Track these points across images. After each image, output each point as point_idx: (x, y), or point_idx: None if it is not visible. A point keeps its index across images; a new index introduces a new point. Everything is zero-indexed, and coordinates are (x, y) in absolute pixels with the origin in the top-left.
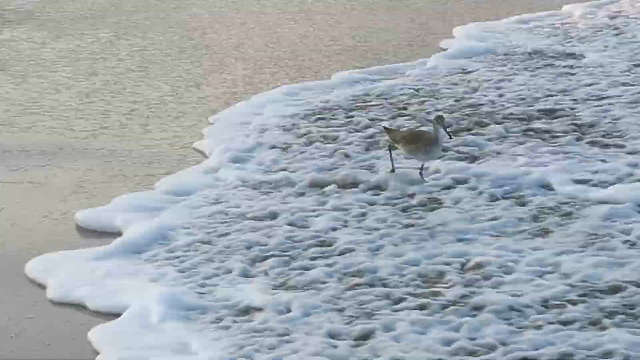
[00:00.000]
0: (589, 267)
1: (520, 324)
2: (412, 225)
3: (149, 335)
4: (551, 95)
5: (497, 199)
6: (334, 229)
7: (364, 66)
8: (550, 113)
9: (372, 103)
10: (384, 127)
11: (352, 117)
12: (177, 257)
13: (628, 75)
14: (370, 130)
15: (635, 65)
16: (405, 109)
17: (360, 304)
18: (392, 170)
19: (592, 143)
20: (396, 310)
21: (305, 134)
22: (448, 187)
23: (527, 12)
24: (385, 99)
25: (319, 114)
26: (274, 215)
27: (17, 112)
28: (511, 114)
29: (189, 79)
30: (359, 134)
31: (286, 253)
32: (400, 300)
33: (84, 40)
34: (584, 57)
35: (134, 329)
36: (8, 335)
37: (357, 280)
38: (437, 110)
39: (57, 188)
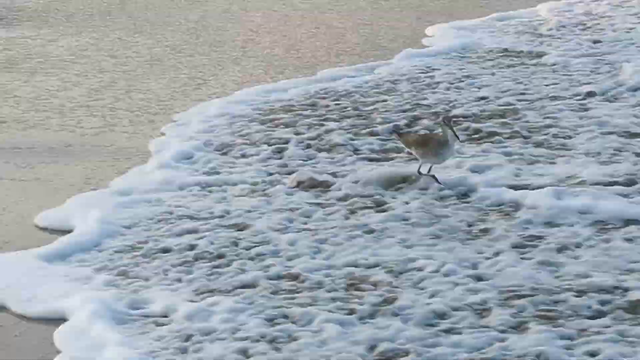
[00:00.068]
0: (517, 272)
1: (445, 327)
2: (355, 227)
3: (73, 338)
4: (508, 95)
5: (439, 201)
6: (276, 230)
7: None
8: (501, 114)
9: (325, 102)
10: (397, 133)
11: (301, 116)
12: (110, 259)
13: (588, 75)
14: (316, 131)
15: (598, 66)
16: (357, 109)
17: (287, 307)
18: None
19: (537, 145)
20: (322, 312)
21: (248, 135)
22: (397, 189)
23: (503, 11)
24: (342, 97)
25: (270, 114)
26: (214, 216)
27: (25, 109)
28: (461, 114)
29: (197, 76)
30: (306, 134)
31: (224, 255)
32: (328, 302)
33: (93, 37)
34: (549, 57)
35: (60, 333)
36: None
37: (287, 283)
38: (389, 110)
39: (66, 185)
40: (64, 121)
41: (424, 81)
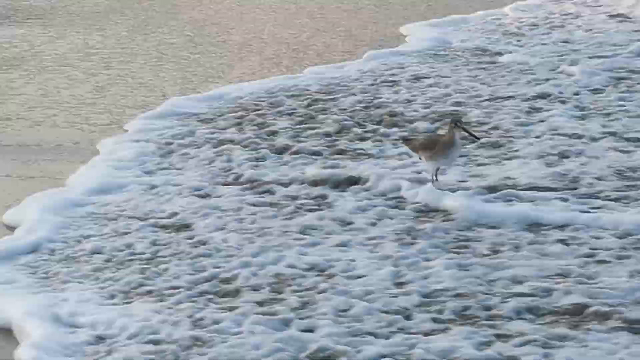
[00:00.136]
0: (435, 274)
1: (363, 330)
2: (295, 228)
3: None
4: (463, 95)
5: (380, 204)
6: (215, 231)
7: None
8: (451, 113)
9: (278, 102)
10: (404, 139)
11: (250, 115)
12: (37, 260)
13: (544, 75)
14: (264, 130)
15: (556, 66)
16: (309, 106)
17: (213, 309)
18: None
19: (480, 146)
20: (238, 315)
21: (192, 135)
22: (343, 190)
23: (482, 10)
24: (297, 97)
25: (220, 114)
26: (154, 217)
27: (31, 107)
28: (397, 114)
29: (203, 73)
30: (254, 133)
31: (154, 257)
32: (254, 305)
33: (99, 35)
34: (512, 56)
35: None
36: None
37: (207, 285)
38: (343, 110)
39: (71, 182)
40: (70, 118)
41: (384, 80)
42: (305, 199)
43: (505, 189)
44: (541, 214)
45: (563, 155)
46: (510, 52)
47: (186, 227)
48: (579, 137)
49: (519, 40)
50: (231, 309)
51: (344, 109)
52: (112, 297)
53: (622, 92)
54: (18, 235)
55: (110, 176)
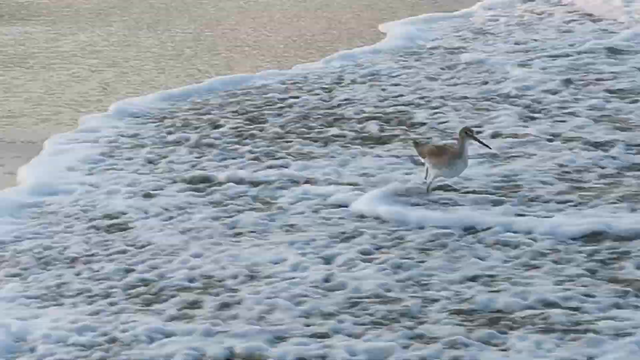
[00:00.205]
0: (364, 277)
1: (282, 335)
2: (229, 228)
3: None
4: (415, 95)
5: (314, 207)
6: (149, 231)
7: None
8: (389, 115)
9: (224, 103)
10: (414, 142)
11: (196, 115)
12: None
13: (496, 75)
14: (208, 131)
15: (521, 65)
16: (261, 106)
17: (129, 314)
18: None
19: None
20: (161, 317)
21: (136, 135)
22: (280, 188)
23: (441, 11)
24: (250, 98)
25: (170, 114)
26: (87, 218)
27: (35, 104)
28: (347, 114)
29: (208, 70)
30: (198, 134)
31: (77, 259)
32: (170, 306)
33: (104, 32)
34: (468, 56)
35: None
36: None
37: (134, 287)
38: (291, 111)
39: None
40: (75, 116)
41: (342, 80)
42: (247, 198)
43: (444, 192)
44: (478, 218)
45: (507, 157)
46: (471, 52)
47: (120, 228)
48: (524, 138)
49: (487, 40)
50: (157, 311)
51: (295, 109)
52: (37, 297)
53: (573, 93)
54: None
55: (54, 176)
